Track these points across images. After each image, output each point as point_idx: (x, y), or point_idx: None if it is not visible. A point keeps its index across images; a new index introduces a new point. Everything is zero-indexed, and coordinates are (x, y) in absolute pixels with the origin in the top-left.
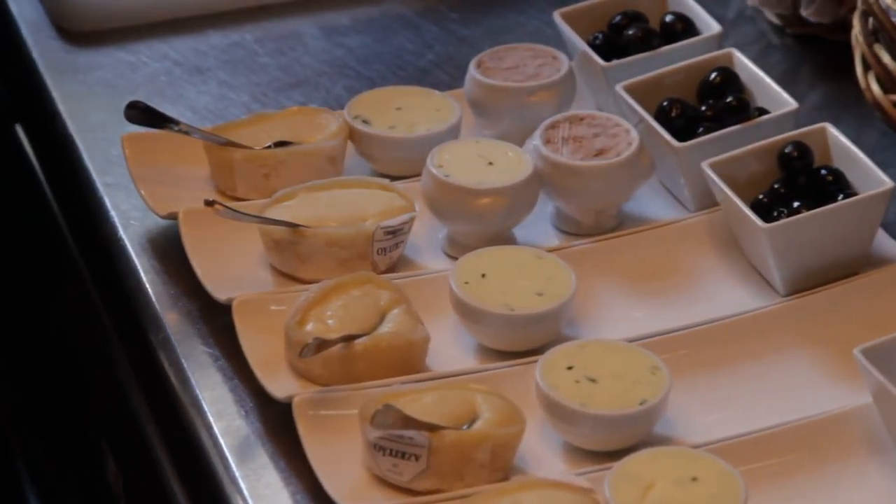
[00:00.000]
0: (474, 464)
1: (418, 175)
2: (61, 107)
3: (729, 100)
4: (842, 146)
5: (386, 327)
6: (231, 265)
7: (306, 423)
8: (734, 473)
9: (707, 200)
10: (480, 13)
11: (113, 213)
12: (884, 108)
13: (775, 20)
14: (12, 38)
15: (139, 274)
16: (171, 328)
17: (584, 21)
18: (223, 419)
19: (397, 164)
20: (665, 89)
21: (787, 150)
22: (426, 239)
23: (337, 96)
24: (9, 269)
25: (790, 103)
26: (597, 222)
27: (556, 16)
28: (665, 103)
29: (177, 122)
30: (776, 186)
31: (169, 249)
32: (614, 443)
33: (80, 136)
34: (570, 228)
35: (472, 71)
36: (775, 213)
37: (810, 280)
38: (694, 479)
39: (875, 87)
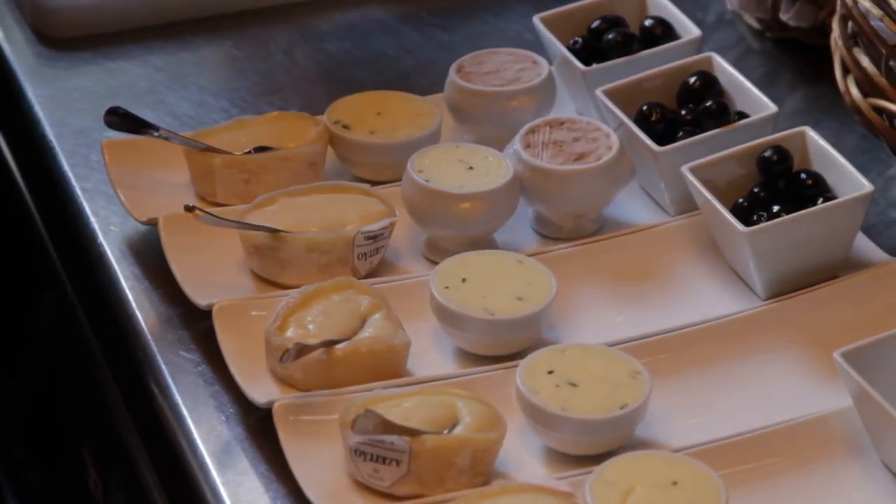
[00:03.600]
0: (455, 469)
1: (398, 180)
2: (41, 113)
3: (709, 104)
4: (821, 150)
5: (366, 332)
6: (211, 271)
7: (287, 429)
8: (714, 477)
9: (687, 204)
10: (460, 18)
11: (93, 219)
12: (863, 112)
13: (755, 24)
14: None
15: (119, 280)
16: (151, 334)
17: (563, 25)
18: (203, 425)
19: (377, 168)
20: (645, 93)
21: (766, 154)
22: (407, 244)
23: (317, 101)
24: None
25: (770, 107)
26: (577, 226)
27: (536, 20)
28: (645, 107)
29: (157, 128)
30: (756, 190)
31: (149, 255)
32: (595, 447)
33: (59, 142)
34: (551, 233)
35: (453, 75)
36: (755, 217)
37: (791, 283)
38: (674, 482)
39: (854, 91)
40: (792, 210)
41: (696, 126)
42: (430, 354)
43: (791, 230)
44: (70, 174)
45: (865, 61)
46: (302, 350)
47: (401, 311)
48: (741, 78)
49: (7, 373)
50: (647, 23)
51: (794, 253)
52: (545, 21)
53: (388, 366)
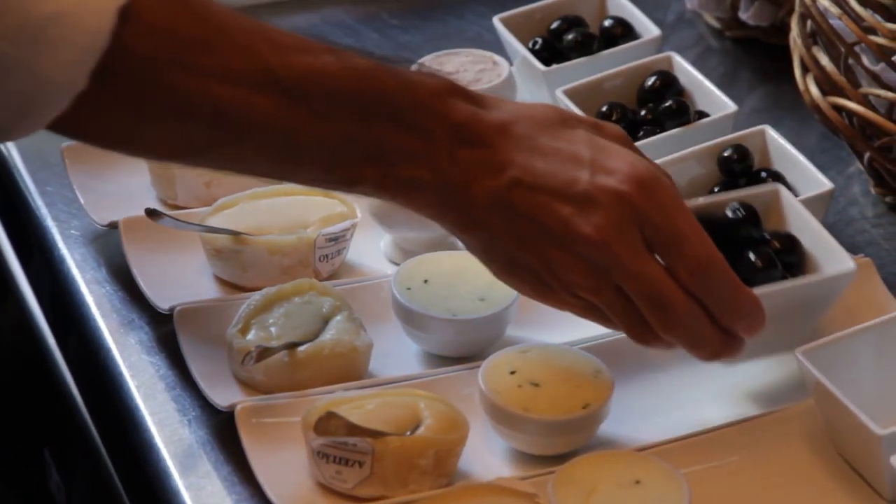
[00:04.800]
0: (418, 470)
1: None
2: None
3: (668, 103)
4: (781, 149)
5: (328, 334)
6: (172, 274)
7: (249, 432)
8: (677, 475)
9: None
10: (421, 19)
11: (52, 223)
12: (822, 111)
13: (714, 24)
14: None
15: (80, 284)
16: (112, 337)
17: (523, 26)
18: (166, 428)
19: None
20: (605, 93)
21: (726, 154)
22: (368, 245)
23: None
24: None
25: (730, 106)
26: None
27: (496, 21)
28: (605, 108)
29: None
30: (716, 189)
31: (110, 259)
32: (558, 447)
33: (18, 146)
34: None
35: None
36: None
37: None
38: (637, 481)
39: (814, 90)
40: None
41: (656, 126)
42: (393, 356)
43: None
44: (30, 178)
45: (824, 60)
46: (264, 353)
47: (363, 313)
48: (701, 77)
49: None
50: (607, 23)
51: None
52: (505, 22)
53: (350, 368)
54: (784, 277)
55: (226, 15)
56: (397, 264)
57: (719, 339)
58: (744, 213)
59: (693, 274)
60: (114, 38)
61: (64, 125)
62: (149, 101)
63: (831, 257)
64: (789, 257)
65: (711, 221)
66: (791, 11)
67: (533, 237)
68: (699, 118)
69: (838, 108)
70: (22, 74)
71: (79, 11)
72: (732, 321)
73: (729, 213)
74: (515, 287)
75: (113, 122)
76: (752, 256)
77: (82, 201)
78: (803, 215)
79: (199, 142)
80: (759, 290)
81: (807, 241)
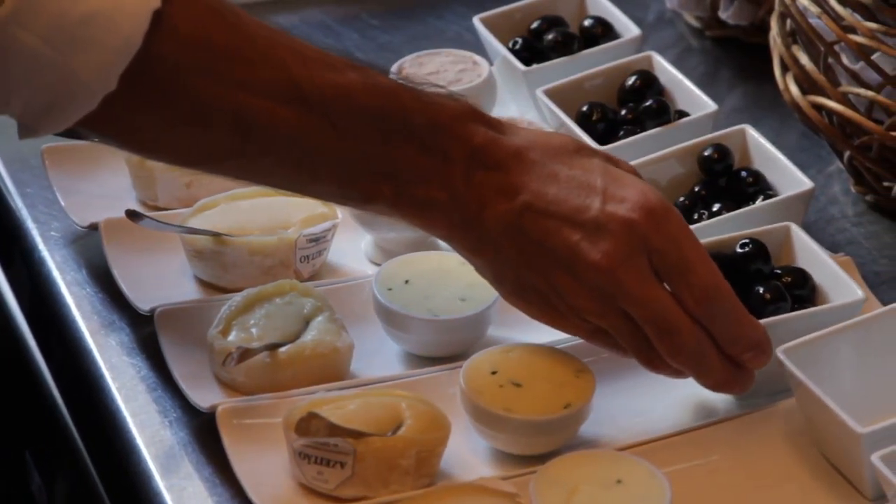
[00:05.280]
0: (399, 470)
1: None
2: None
3: (649, 103)
4: (761, 148)
5: (310, 335)
6: (153, 275)
7: (230, 433)
8: (658, 474)
9: None
10: (401, 19)
11: (33, 224)
12: (802, 110)
13: (694, 23)
14: None
15: (60, 285)
16: (93, 339)
17: (504, 26)
18: (147, 430)
19: None
20: (585, 93)
21: (707, 153)
22: (349, 246)
23: None
24: None
25: (710, 106)
26: None
27: (477, 21)
28: (585, 107)
29: None
30: (697, 189)
31: (90, 260)
32: (539, 447)
33: None
34: None
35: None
36: (696, 216)
37: None
38: (619, 481)
39: (793, 89)
40: (733, 208)
41: (637, 125)
42: (374, 356)
43: (731, 228)
44: (10, 179)
45: (804, 59)
46: (245, 354)
47: (344, 314)
48: (681, 77)
49: None
50: (587, 23)
51: None
52: (485, 22)
53: (331, 368)
54: (794, 310)
55: (257, 26)
56: (378, 265)
57: (727, 368)
58: (753, 248)
59: (699, 302)
60: (146, 41)
61: (91, 124)
62: (175, 105)
63: (840, 289)
64: (800, 291)
65: (721, 258)
66: (771, 10)
67: (541, 261)
68: (679, 118)
69: (818, 107)
70: (53, 72)
71: (113, 13)
72: (739, 352)
73: (738, 249)
74: (524, 310)
75: (139, 124)
76: (761, 290)
77: (63, 203)
78: (813, 250)
79: (221, 150)
80: (767, 321)
81: (817, 275)
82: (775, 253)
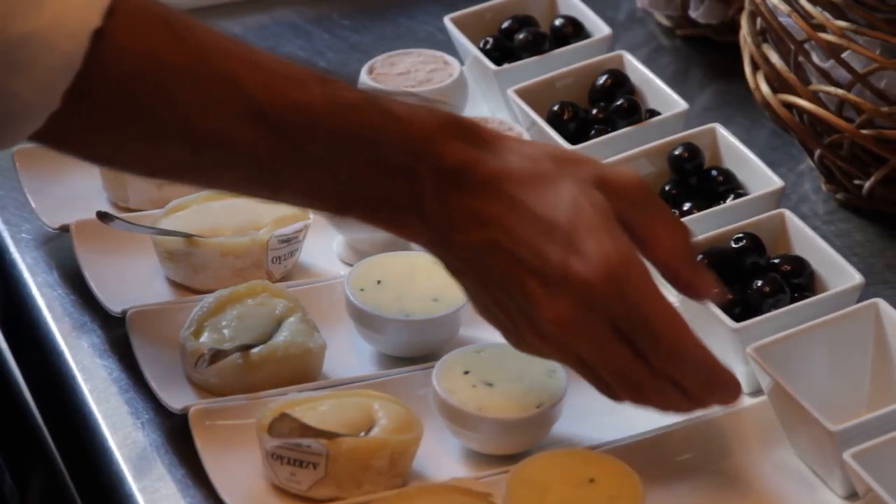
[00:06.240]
0: (372, 470)
1: None
2: None
3: (620, 102)
4: (731, 146)
5: (282, 336)
6: (125, 277)
7: (203, 434)
8: (632, 473)
9: None
10: (371, 19)
11: (3, 226)
12: (773, 108)
13: (665, 22)
14: None
15: (31, 287)
16: (64, 341)
17: (474, 26)
18: (119, 431)
19: None
20: (556, 93)
21: (677, 152)
22: (321, 246)
23: None
24: None
25: (680, 104)
26: None
27: (447, 21)
28: (556, 107)
29: None
30: (667, 188)
31: (62, 262)
32: (512, 446)
33: None
34: None
35: (364, 77)
36: None
37: None
38: (591, 480)
39: (764, 87)
40: (703, 207)
41: (608, 124)
42: (347, 357)
43: (701, 227)
44: None
45: (774, 58)
46: (217, 355)
47: (316, 315)
48: (651, 76)
49: None
50: (558, 22)
51: None
52: (456, 21)
53: (304, 369)
54: (793, 300)
55: (211, 39)
56: (350, 265)
57: (694, 407)
58: (747, 241)
59: (664, 360)
60: (87, 60)
61: (44, 140)
62: (125, 123)
63: (839, 274)
64: (798, 279)
65: (716, 254)
66: (741, 9)
67: (502, 297)
68: (650, 117)
69: (788, 106)
70: None
71: (53, 33)
72: (706, 397)
73: (733, 244)
74: (491, 324)
75: (90, 141)
76: (759, 284)
77: (33, 205)
78: (809, 236)
79: (178, 166)
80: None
81: (814, 262)
82: (771, 241)
